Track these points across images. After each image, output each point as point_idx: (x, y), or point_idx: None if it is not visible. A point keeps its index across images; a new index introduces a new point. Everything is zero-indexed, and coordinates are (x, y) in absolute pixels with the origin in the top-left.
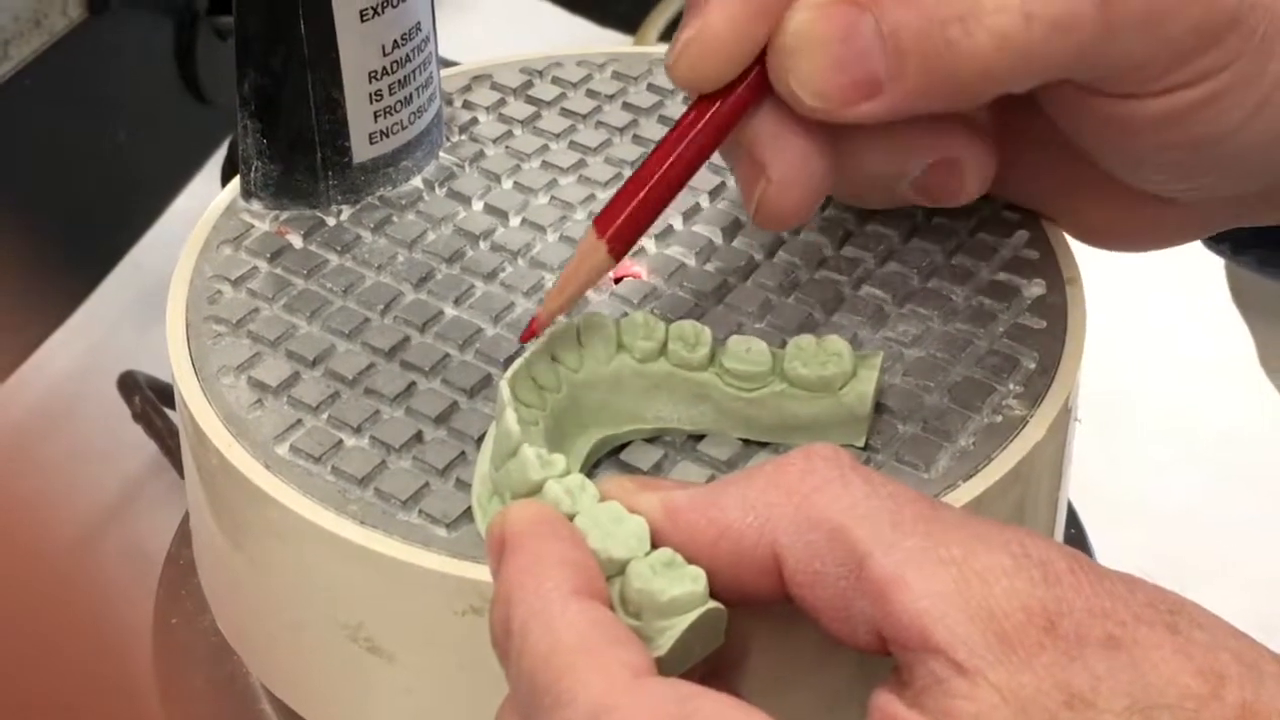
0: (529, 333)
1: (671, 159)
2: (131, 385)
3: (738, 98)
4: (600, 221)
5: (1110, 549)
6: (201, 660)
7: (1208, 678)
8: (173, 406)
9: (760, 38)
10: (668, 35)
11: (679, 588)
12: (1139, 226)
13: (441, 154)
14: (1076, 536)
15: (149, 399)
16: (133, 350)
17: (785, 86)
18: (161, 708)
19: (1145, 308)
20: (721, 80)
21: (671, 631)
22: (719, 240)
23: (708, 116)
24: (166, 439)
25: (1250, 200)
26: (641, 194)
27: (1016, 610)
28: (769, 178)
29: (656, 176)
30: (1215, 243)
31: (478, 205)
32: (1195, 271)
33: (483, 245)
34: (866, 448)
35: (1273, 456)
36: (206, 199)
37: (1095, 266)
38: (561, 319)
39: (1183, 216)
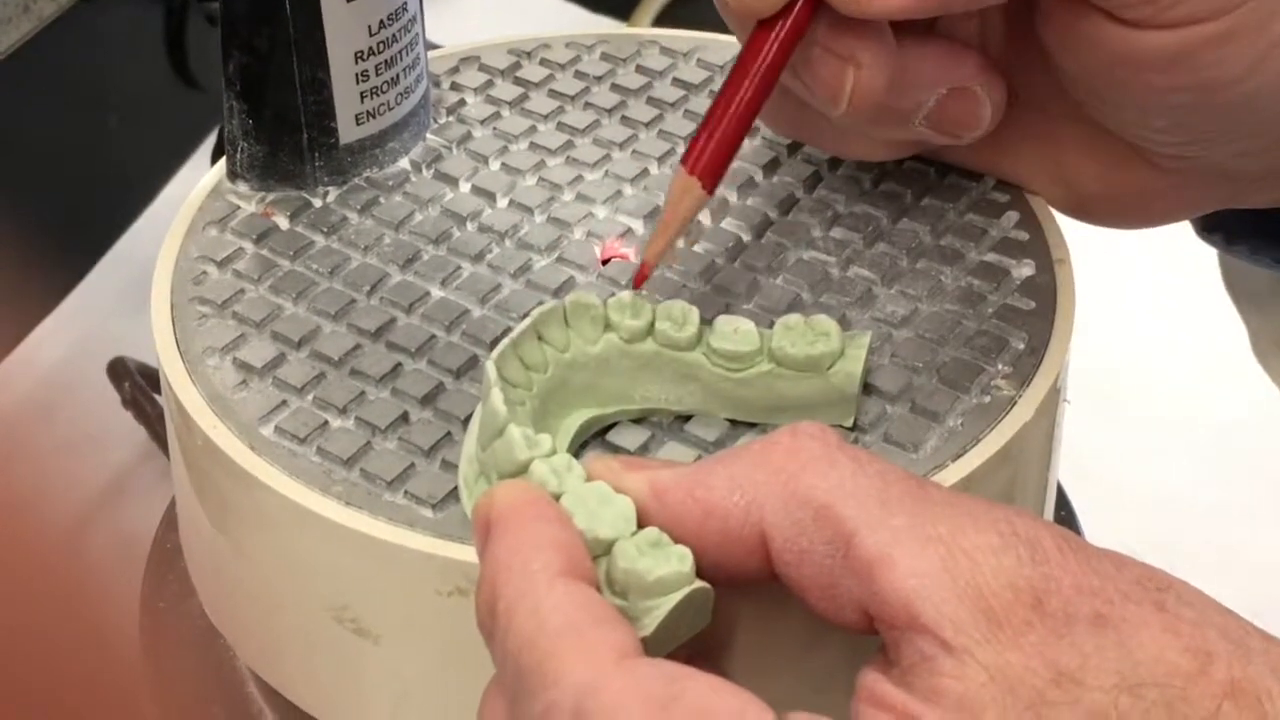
0: (640, 278)
1: (747, 85)
2: (121, 371)
3: (800, 13)
4: (689, 158)
5: (1100, 532)
6: (188, 644)
7: (1195, 655)
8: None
9: None
10: (661, 21)
11: (665, 567)
12: (1129, 197)
13: (429, 135)
14: (1066, 519)
15: (139, 385)
16: (123, 336)
17: None
18: (148, 692)
19: (1135, 291)
20: (779, 2)
21: (657, 611)
22: (707, 221)
23: (774, 37)
24: (156, 425)
25: (1242, 181)
26: (724, 124)
27: (1004, 588)
28: (859, 64)
29: (736, 105)
30: (1208, 233)
31: (465, 187)
32: (1185, 255)
33: (470, 226)
34: (854, 428)
35: (1263, 441)
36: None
37: (1085, 248)
38: (549, 300)
39: (1174, 190)
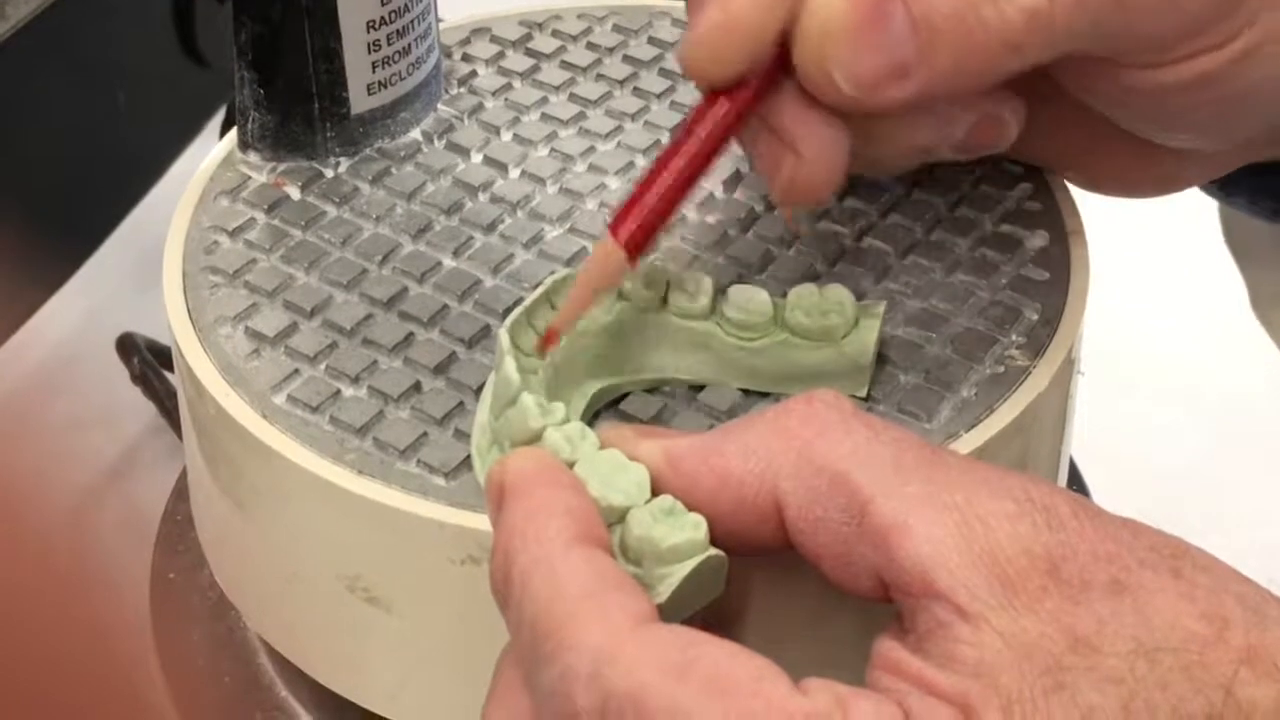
0: (546, 341)
1: (689, 158)
2: (130, 347)
3: (758, 86)
4: (616, 226)
5: (1113, 506)
6: (199, 615)
7: (1212, 621)
8: (171, 369)
9: (781, 23)
10: None
11: (679, 535)
12: (1148, 180)
13: (440, 106)
14: (1078, 492)
15: (148, 361)
16: (132, 312)
17: (819, 73)
18: (159, 662)
19: (1149, 262)
20: (745, 70)
21: (671, 579)
22: (720, 193)
23: (726, 110)
24: (165, 401)
25: (1258, 145)
26: (658, 195)
27: (1020, 555)
28: (800, 155)
29: (673, 176)
30: (1207, 185)
31: (476, 157)
32: (1200, 227)
33: (481, 197)
34: (868, 398)
35: (1276, 415)
36: None
37: (1098, 220)
38: (561, 270)
39: (1200, 165)
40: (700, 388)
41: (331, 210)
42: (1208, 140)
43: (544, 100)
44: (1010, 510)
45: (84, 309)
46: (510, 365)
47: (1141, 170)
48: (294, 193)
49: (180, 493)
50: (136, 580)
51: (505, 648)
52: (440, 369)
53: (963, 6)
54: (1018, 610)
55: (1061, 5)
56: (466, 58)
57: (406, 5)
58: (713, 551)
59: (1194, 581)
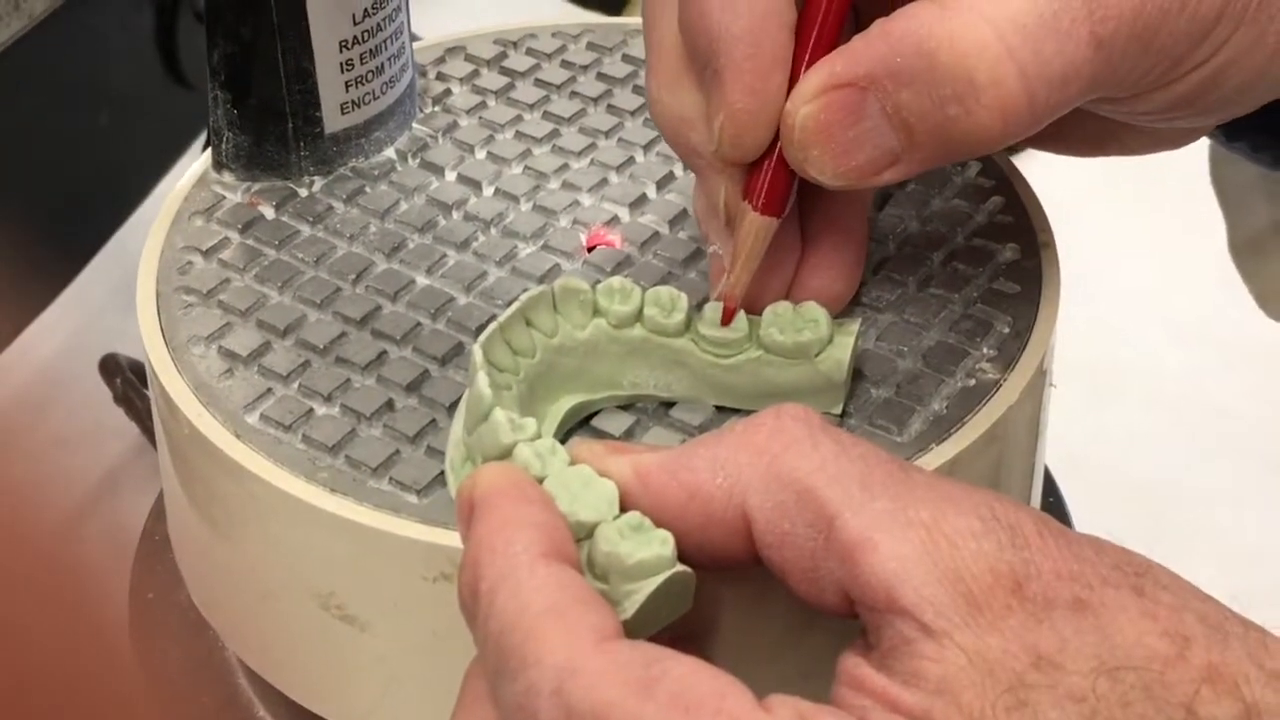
0: (729, 315)
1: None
2: (113, 368)
3: None
4: (753, 198)
5: (1088, 518)
6: (177, 635)
7: (1173, 639)
8: None
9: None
10: None
11: (646, 551)
12: (1153, 139)
13: (415, 125)
14: (1054, 504)
15: (130, 381)
16: (115, 333)
17: (805, 173)
18: (138, 683)
19: (1125, 274)
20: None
21: (638, 595)
22: (693, 209)
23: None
24: (147, 421)
25: None
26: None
27: (984, 573)
28: (731, 104)
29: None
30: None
31: (451, 175)
32: (1172, 237)
33: (455, 215)
34: (844, 415)
35: (1249, 424)
36: None
37: (1073, 230)
38: (534, 288)
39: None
40: (672, 404)
41: (305, 229)
42: (1198, 124)
43: (518, 118)
44: (976, 528)
45: (68, 330)
46: (483, 381)
47: (1138, 136)
48: (268, 212)
49: (159, 513)
50: (116, 599)
51: (472, 662)
52: (413, 387)
53: (930, 106)
54: (981, 628)
55: (1043, 91)
56: (441, 76)
57: (380, 24)
58: (679, 568)
59: (1156, 599)
